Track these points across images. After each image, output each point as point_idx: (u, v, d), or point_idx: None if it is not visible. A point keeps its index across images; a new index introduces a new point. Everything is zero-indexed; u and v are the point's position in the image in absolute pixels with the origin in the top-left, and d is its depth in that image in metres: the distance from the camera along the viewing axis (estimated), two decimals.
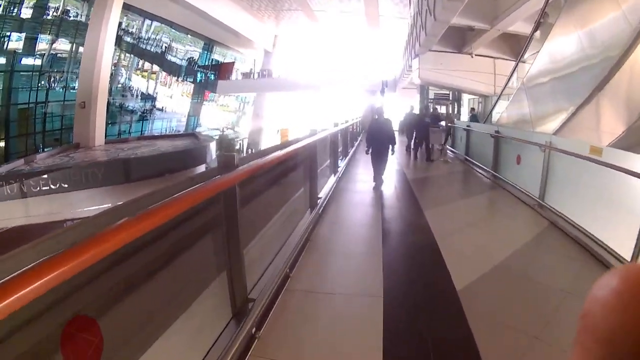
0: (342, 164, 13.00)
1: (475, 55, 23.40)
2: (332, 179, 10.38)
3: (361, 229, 7.11)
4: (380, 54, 44.90)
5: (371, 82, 36.82)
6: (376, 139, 10.36)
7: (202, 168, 21.03)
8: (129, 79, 35.20)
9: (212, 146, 24.50)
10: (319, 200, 7.47)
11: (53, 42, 27.42)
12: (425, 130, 16.17)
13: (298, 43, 46.57)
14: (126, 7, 28.03)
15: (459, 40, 23.63)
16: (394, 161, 15.07)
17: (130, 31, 33.61)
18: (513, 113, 11.99)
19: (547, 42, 10.17)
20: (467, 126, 15.16)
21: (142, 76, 36.72)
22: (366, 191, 10.05)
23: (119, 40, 30.76)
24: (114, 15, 22.30)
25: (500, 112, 13.45)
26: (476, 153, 14.10)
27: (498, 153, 11.39)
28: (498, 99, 15.78)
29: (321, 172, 9.11)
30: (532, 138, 8.84)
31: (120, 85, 34.14)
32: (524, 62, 14.22)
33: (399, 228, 7.31)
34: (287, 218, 6.00)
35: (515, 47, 23.44)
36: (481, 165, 12.81)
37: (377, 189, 10.14)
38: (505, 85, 15.12)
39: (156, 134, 35.19)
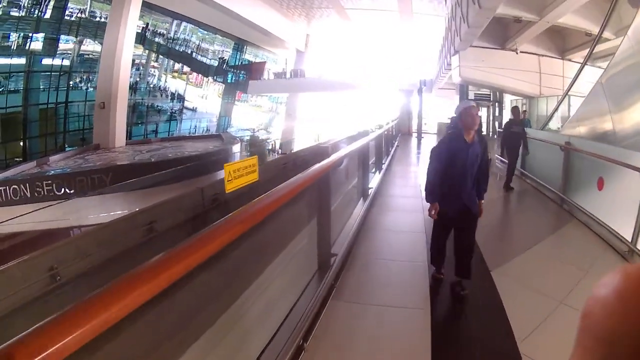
0: (374, 182, 9.64)
1: (520, 52, 20.44)
2: (359, 209, 7.24)
3: (401, 318, 4.15)
4: (415, 53, 42.39)
5: (407, 81, 34.21)
6: (457, 184, 4.53)
7: (222, 174, 19.02)
8: (159, 79, 33.83)
9: (236, 148, 22.25)
10: (329, 272, 4.46)
11: (81, 42, 26.25)
12: (516, 146, 10.44)
13: (331, 42, 44.58)
14: (149, 7, 27.41)
15: (501, 35, 20.87)
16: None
17: (157, 31, 32.24)
18: (585, 119, 9.09)
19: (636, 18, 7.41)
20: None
21: (173, 76, 35.26)
22: (408, 229, 6.98)
23: (144, 40, 30.28)
24: (133, 14, 21.42)
25: (564, 117, 10.66)
26: (536, 167, 10.94)
27: (569, 171, 8.49)
28: (561, 101, 12.81)
29: (341, 203, 6.29)
30: (626, 158, 6.10)
31: (151, 86, 32.90)
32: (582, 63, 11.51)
33: (459, 313, 4.41)
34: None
35: (561, 44, 21.04)
36: (544, 184, 9.77)
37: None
38: (571, 85, 12.03)
39: (180, 135, 33.62)
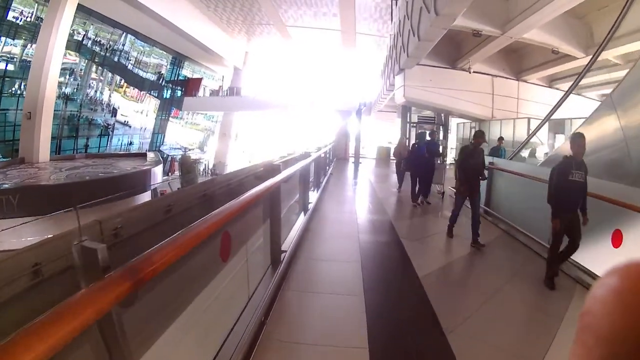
0: (294, 231, 6.61)
1: (473, 72, 18.56)
2: (262, 290, 4.19)
3: None
4: (356, 74, 41.31)
5: (346, 103, 32.26)
6: None
7: (145, 197, 16.77)
8: (96, 91, 31.13)
9: (158, 170, 19.46)
10: None
11: (25, 46, 23.70)
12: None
13: (270, 61, 42.99)
14: (88, 12, 25.77)
15: (452, 53, 19.05)
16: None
17: (97, 40, 29.58)
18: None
19: None
20: (490, 162, 9.26)
21: (108, 89, 32.42)
22: (344, 342, 4.00)
23: (80, 48, 28.01)
24: (65, 21, 19.56)
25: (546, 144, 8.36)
26: (510, 209, 8.34)
27: None
28: (540, 126, 10.34)
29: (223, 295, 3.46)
30: None
31: (88, 97, 30.23)
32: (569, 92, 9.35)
33: None
34: None
35: (516, 63, 19.42)
36: (523, 231, 7.22)
37: None
38: (558, 106, 9.52)
39: (105, 153, 30.84)
